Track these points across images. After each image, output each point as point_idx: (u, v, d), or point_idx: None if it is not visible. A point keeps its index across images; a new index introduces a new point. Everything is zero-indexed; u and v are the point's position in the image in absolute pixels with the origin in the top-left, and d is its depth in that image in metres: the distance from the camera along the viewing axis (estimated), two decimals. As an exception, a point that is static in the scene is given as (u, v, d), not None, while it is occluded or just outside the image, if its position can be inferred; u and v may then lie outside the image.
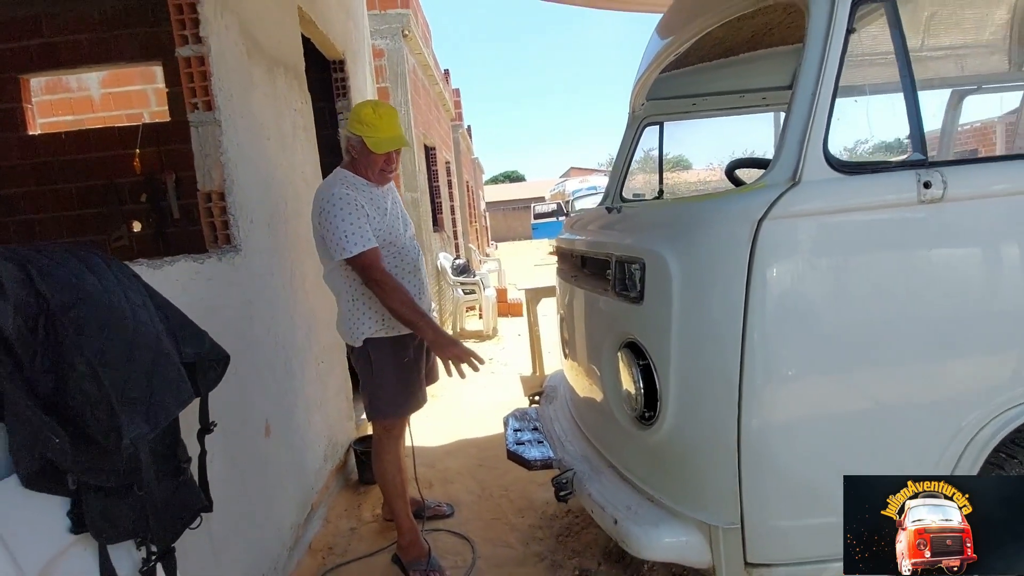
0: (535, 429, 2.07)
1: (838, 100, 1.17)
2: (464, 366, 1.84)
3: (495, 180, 53.54)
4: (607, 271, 1.52)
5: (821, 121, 1.14)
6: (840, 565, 1.22)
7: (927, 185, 1.11)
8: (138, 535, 1.00)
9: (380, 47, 5.06)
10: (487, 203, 26.02)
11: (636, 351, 1.41)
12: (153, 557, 1.01)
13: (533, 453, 1.85)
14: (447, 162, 8.97)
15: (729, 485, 1.21)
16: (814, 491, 1.20)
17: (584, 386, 1.86)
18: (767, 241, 1.13)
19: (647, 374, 1.36)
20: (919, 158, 1.13)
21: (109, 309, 0.97)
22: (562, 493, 1.61)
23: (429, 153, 7.11)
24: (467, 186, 12.86)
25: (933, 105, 2.73)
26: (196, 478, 1.21)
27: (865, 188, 1.14)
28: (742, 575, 1.25)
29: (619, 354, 1.47)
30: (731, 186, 1.74)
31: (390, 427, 2.04)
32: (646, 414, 1.38)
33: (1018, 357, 1.20)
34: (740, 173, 1.76)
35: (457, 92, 11.65)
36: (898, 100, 1.20)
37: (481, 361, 1.87)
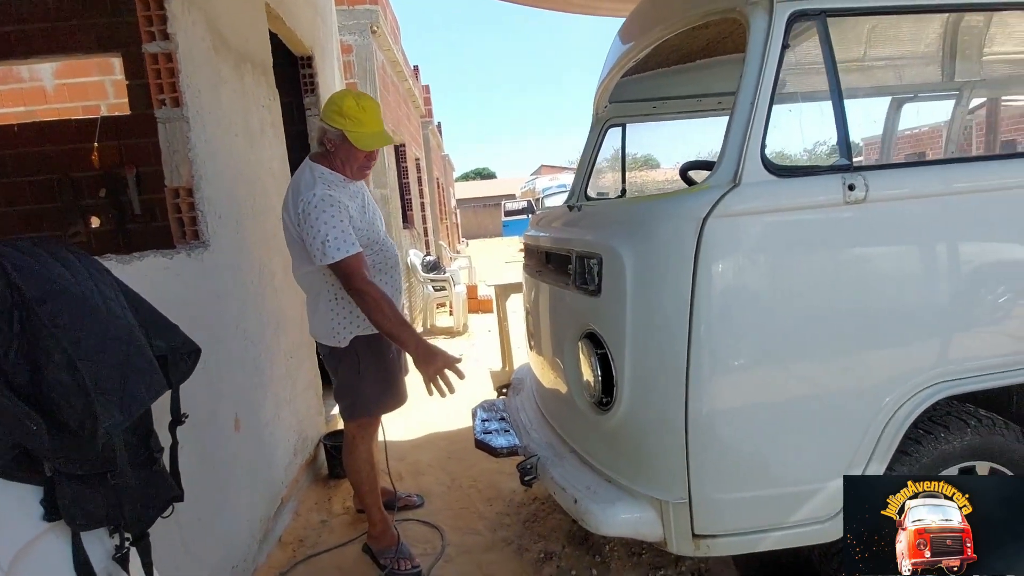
0: (502, 419, 2.14)
1: (799, 108, 1.27)
2: (450, 377, 1.78)
3: (466, 177, 53.35)
4: (568, 266, 1.61)
5: (759, 128, 1.24)
6: (777, 534, 1.35)
7: (851, 187, 1.22)
8: (111, 523, 1.03)
9: (348, 43, 5.04)
10: (458, 200, 25.95)
11: (595, 341, 1.49)
12: (127, 543, 1.04)
13: (499, 441, 1.92)
14: (417, 159, 8.95)
15: (678, 463, 1.30)
16: (754, 467, 1.31)
17: (548, 376, 1.94)
18: (711, 238, 1.23)
19: (605, 363, 1.45)
20: (844, 163, 1.25)
21: (83, 302, 1.00)
22: (527, 478, 1.69)
23: (399, 150, 7.10)
24: (437, 183, 12.84)
25: (878, 111, 2.93)
26: (168, 468, 1.24)
27: (797, 190, 1.25)
28: (690, 546, 1.35)
29: (579, 344, 1.55)
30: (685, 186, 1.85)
31: (366, 424, 2.04)
32: (604, 400, 1.47)
33: (932, 344, 1.33)
34: (694, 174, 1.87)
35: (427, 89, 11.61)
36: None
37: (462, 376, 1.80)
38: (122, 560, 1.04)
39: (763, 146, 1.24)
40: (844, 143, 1.26)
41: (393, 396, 2.05)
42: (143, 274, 1.45)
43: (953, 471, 1.43)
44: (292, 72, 3.54)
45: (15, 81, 4.30)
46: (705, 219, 1.22)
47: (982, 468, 1.44)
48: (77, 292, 0.99)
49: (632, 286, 1.31)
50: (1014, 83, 2.75)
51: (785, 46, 1.24)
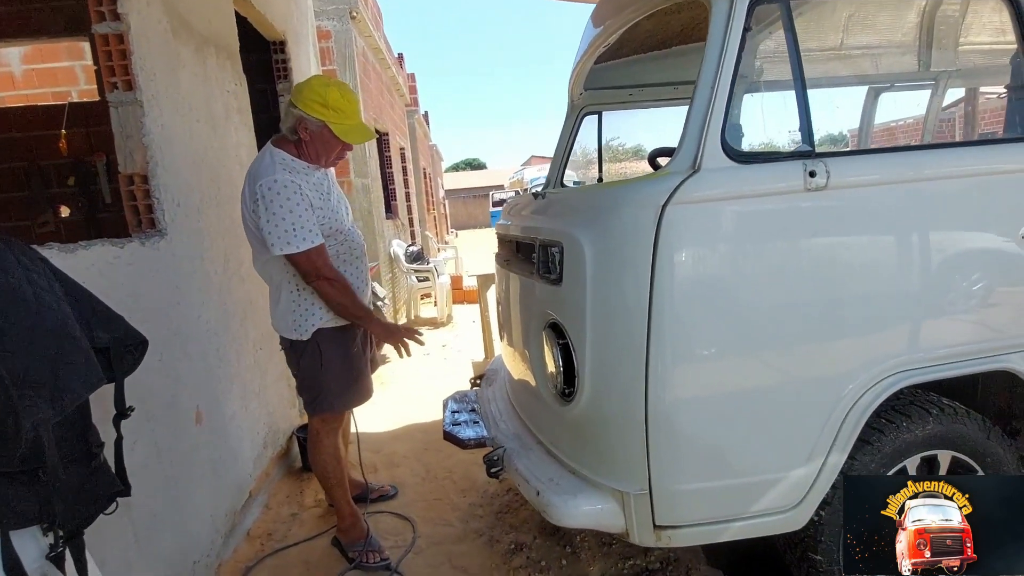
0: (472, 411, 2.12)
1: (773, 97, 1.24)
2: (411, 344, 1.91)
3: (456, 168, 53.09)
4: (533, 255, 1.58)
5: (719, 112, 1.21)
6: (739, 524, 1.34)
7: (812, 174, 1.20)
8: (44, 521, 0.99)
9: (326, 28, 4.94)
10: (447, 191, 25.81)
11: (558, 331, 1.47)
12: (60, 542, 1.01)
13: (467, 433, 1.90)
14: (401, 148, 8.85)
15: (638, 454, 1.29)
16: (715, 458, 1.30)
17: (517, 367, 1.92)
18: (670, 225, 1.20)
19: (567, 353, 1.43)
20: (806, 149, 1.22)
21: (8, 291, 0.95)
22: (493, 470, 1.67)
23: (382, 139, 7.00)
24: (424, 173, 12.72)
25: (855, 100, 2.92)
26: (113, 463, 1.20)
27: (758, 176, 1.23)
28: (652, 537, 1.34)
29: (543, 334, 1.53)
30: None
31: (330, 420, 1.99)
32: (566, 391, 1.45)
33: (894, 332, 1.32)
34: (663, 161, 1.84)
35: (412, 77, 11.46)
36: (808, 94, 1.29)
37: (421, 340, 1.94)
38: (57, 559, 1.01)
39: (724, 131, 1.21)
40: (806, 129, 1.24)
41: (357, 391, 2.00)
42: (90, 264, 1.40)
43: (915, 460, 1.43)
44: (265, 58, 3.46)
45: (-19, 66, 4.17)
46: (664, 206, 1.20)
47: (944, 457, 1.44)
48: (2, 283, 0.95)
49: (592, 274, 1.29)
50: (989, 73, 2.74)
51: (747, 29, 1.21)
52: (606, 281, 1.28)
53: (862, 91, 2.89)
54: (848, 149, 2.78)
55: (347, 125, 1.78)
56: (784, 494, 1.33)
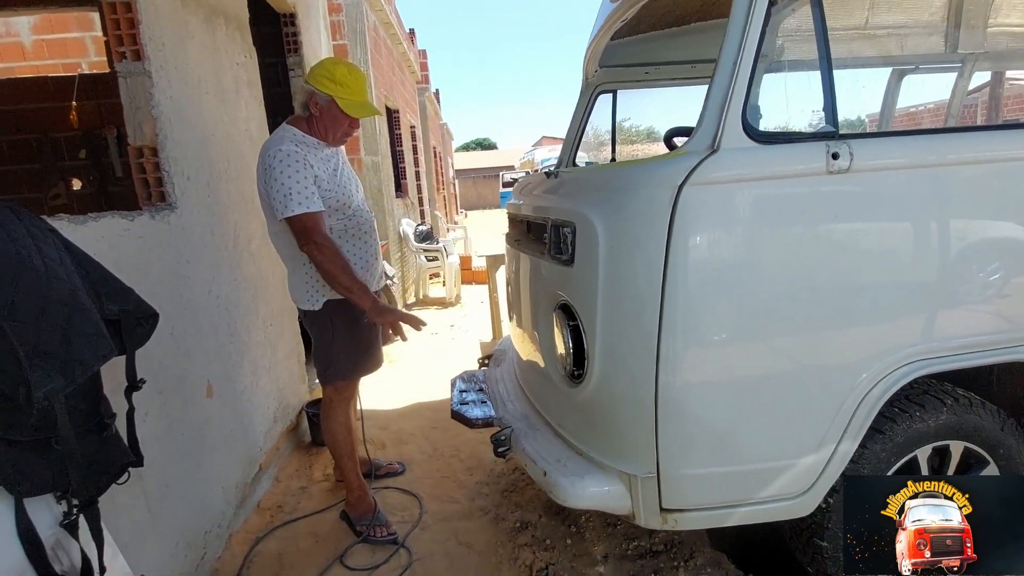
0: (480, 390, 2.13)
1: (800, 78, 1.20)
2: (406, 329, 1.85)
3: (467, 147, 52.63)
4: (544, 235, 1.55)
5: (741, 91, 1.17)
6: (745, 509, 1.34)
7: (835, 156, 1.16)
8: (57, 489, 1.00)
9: (337, 2, 4.85)
10: (457, 170, 25.63)
11: (568, 312, 1.46)
12: (75, 510, 1.02)
13: (475, 412, 1.90)
14: (412, 126, 8.77)
15: (646, 438, 1.28)
16: (724, 443, 1.29)
17: (526, 348, 1.91)
18: (686, 207, 1.18)
19: (577, 334, 1.42)
20: (830, 130, 1.18)
21: (18, 262, 0.95)
22: (500, 449, 1.67)
23: (392, 116, 6.93)
24: (434, 152, 12.62)
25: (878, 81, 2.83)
26: (125, 435, 1.21)
27: (779, 157, 1.19)
28: (658, 520, 1.34)
29: (553, 315, 1.51)
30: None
31: (342, 389, 2.04)
32: (575, 372, 1.44)
33: (911, 321, 1.29)
34: (679, 142, 1.80)
35: (423, 54, 11.29)
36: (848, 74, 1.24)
37: (422, 322, 1.87)
38: (71, 527, 1.02)
39: (745, 110, 1.17)
40: (830, 109, 1.20)
41: (367, 360, 2.05)
42: (100, 236, 1.39)
43: (927, 450, 1.41)
44: (275, 31, 3.41)
45: (-10, 36, 4.14)
46: (681, 186, 1.17)
47: (956, 447, 1.43)
48: (11, 252, 0.94)
49: (604, 256, 1.27)
50: (1018, 56, 2.64)
51: (772, 3, 1.17)
52: (619, 262, 1.25)
53: (883, 73, 2.80)
54: (872, 131, 2.69)
55: (353, 100, 1.82)
56: (793, 481, 1.32)
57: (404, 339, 1.88)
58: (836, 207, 1.21)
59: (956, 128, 2.26)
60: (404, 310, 1.90)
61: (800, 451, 1.30)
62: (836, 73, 1.26)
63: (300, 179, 1.72)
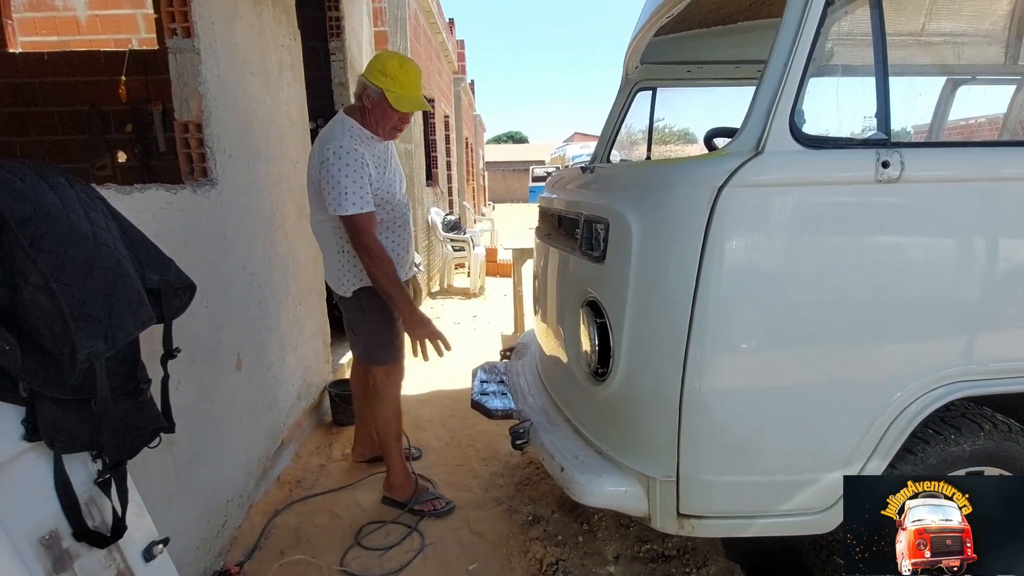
0: (501, 382, 2.13)
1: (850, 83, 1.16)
2: (431, 349, 1.91)
3: (498, 140, 52.61)
4: (576, 230, 1.54)
5: (791, 92, 1.14)
6: (764, 521, 1.31)
7: (885, 164, 1.12)
8: (93, 448, 1.04)
9: (380, -12, 4.88)
10: (487, 162, 25.62)
11: (596, 310, 1.44)
12: (108, 469, 1.06)
13: (495, 403, 1.91)
14: (446, 116, 8.80)
15: (668, 441, 1.27)
16: (746, 452, 1.27)
17: (549, 343, 1.91)
18: (725, 209, 1.15)
19: (604, 332, 1.41)
20: (882, 137, 1.14)
21: (69, 226, 0.99)
22: (518, 442, 1.68)
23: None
24: (466, 143, 12.65)
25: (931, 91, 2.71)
26: (159, 401, 1.25)
27: (826, 163, 1.15)
28: (674, 524, 1.32)
29: (580, 312, 1.50)
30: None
31: (389, 372, 2.09)
32: (599, 370, 1.43)
33: (954, 340, 1.24)
34: (720, 143, 1.76)
35: (461, 44, 11.30)
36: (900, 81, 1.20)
37: (448, 347, 1.92)
38: (104, 485, 1.06)
39: (793, 112, 1.14)
40: (884, 115, 1.16)
41: (400, 346, 2.10)
42: (144, 207, 1.43)
43: (960, 475, 1.36)
44: (319, 15, 3.45)
45: (48, 9, 4.28)
46: (721, 188, 1.14)
47: (990, 474, 1.37)
48: (63, 216, 0.98)
49: (637, 254, 1.25)
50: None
51: (829, 2, 1.13)
52: (652, 262, 1.24)
53: (935, 82, 2.69)
54: (926, 140, 2.59)
55: (401, 94, 1.84)
56: (816, 496, 1.29)
57: (426, 359, 1.91)
58: (883, 218, 1.17)
59: (1012, 142, 2.16)
60: (436, 329, 1.92)
61: (826, 466, 1.27)
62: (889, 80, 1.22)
63: (357, 178, 1.77)
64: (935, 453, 1.32)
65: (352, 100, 1.97)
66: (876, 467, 1.27)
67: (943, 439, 1.31)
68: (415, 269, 2.30)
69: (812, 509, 1.30)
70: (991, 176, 1.23)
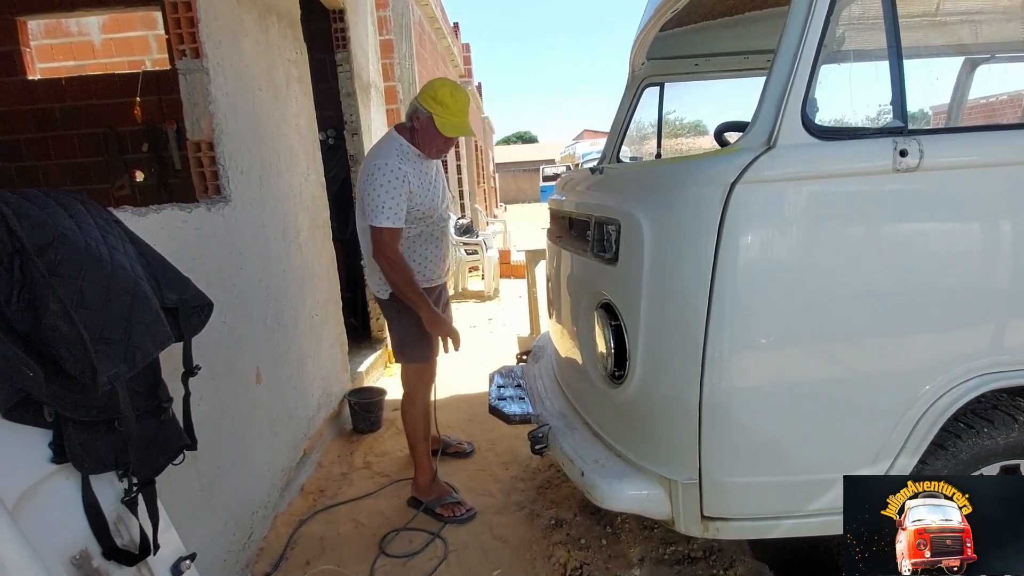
0: (518, 386, 2.12)
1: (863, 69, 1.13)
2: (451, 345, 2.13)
3: (507, 141, 52.65)
4: (587, 232, 1.53)
5: (801, 82, 1.11)
6: (791, 522, 1.29)
7: (903, 153, 1.09)
8: (119, 467, 1.06)
9: (384, -3, 4.91)
10: (497, 164, 25.67)
11: (611, 312, 1.43)
12: (135, 488, 1.08)
13: (513, 408, 1.90)
14: (454, 120, 8.82)
15: (689, 443, 1.25)
16: (771, 452, 1.24)
17: (565, 346, 1.90)
18: (739, 206, 1.13)
19: (619, 334, 1.39)
20: (898, 125, 1.11)
21: (87, 251, 1.00)
22: (537, 447, 1.67)
23: (435, 110, 6.98)
24: (476, 145, 12.67)
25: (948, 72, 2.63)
26: (181, 418, 1.27)
27: (841, 154, 1.13)
28: (699, 527, 1.30)
29: (595, 314, 1.49)
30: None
31: (421, 372, 2.21)
32: (616, 373, 1.42)
33: (983, 330, 1.20)
34: (731, 137, 1.73)
35: (467, 47, 11.34)
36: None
37: (457, 346, 2.15)
38: (131, 504, 1.08)
39: (805, 104, 1.11)
40: (899, 102, 1.12)
41: (431, 346, 2.21)
42: (160, 227, 1.46)
43: (994, 469, 1.32)
44: (324, 27, 3.48)
45: (64, 35, 4.40)
46: (733, 184, 1.12)
47: (1028, 467, 1.33)
48: (80, 242, 0.99)
49: (650, 255, 1.23)
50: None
51: (838, -10, 1.10)
52: (665, 263, 1.22)
53: (951, 63, 2.61)
54: (944, 126, 2.52)
55: (448, 120, 1.98)
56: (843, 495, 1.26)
57: (445, 350, 2.16)
58: (902, 208, 1.13)
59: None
60: (453, 330, 2.15)
61: (853, 464, 1.24)
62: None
63: (395, 196, 1.93)
64: (967, 448, 1.28)
65: (361, 110, 2.07)
66: (905, 464, 1.23)
67: (975, 433, 1.27)
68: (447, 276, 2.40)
69: (839, 509, 1.26)
70: (1016, 160, 1.19)
